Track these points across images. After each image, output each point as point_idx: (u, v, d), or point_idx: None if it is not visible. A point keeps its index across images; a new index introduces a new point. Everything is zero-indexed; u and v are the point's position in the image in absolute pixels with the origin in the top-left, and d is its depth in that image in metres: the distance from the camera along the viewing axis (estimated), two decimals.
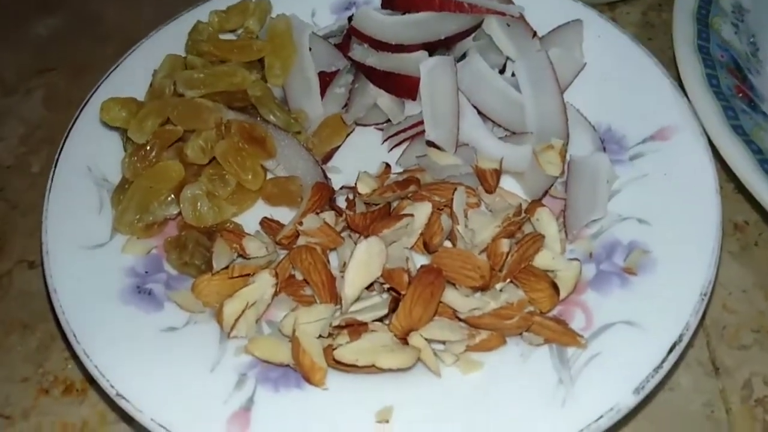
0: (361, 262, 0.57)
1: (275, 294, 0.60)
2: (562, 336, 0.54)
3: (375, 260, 0.57)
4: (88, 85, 0.82)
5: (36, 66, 0.89)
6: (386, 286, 0.58)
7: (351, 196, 0.66)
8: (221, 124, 0.66)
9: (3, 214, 0.74)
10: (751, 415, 0.57)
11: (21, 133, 0.82)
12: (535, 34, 0.73)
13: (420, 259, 0.62)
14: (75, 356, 0.55)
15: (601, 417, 0.49)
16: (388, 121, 0.72)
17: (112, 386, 0.52)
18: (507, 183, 0.67)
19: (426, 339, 0.55)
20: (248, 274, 0.59)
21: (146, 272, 0.61)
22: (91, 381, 0.56)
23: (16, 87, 0.87)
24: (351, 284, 0.56)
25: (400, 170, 0.69)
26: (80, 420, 0.60)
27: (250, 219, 0.66)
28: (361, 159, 0.70)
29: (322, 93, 0.73)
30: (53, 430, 0.59)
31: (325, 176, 0.68)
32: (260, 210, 0.67)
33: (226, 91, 0.68)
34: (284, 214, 0.66)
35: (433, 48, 0.70)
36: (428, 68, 0.67)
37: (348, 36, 0.74)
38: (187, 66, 0.70)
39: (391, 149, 0.72)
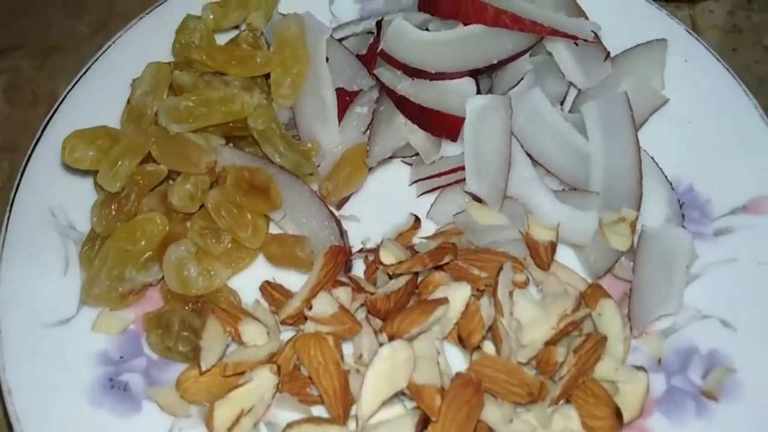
0: (384, 372, 0.47)
1: (276, 392, 0.49)
2: None
3: (400, 369, 0.47)
4: (58, 71, 0.68)
5: None
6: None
7: (370, 258, 0.55)
8: (214, 167, 0.53)
9: None
10: None
11: None
12: (608, 55, 0.58)
13: (451, 350, 0.51)
14: None
15: None
16: (418, 154, 0.59)
17: None
18: (561, 252, 0.55)
19: None
20: (244, 371, 0.49)
21: (121, 357, 0.50)
22: None
23: None
24: (369, 399, 0.46)
25: (431, 226, 0.57)
26: None
27: (249, 280, 0.54)
28: (383, 203, 0.58)
29: (340, 115, 0.59)
30: None
31: (341, 231, 0.56)
32: (261, 268, 0.55)
33: (222, 121, 0.55)
34: (290, 277, 0.55)
35: (479, 73, 0.56)
36: (477, 108, 0.54)
37: (375, 46, 0.59)
38: (174, 85, 0.56)
39: (421, 195, 0.59)
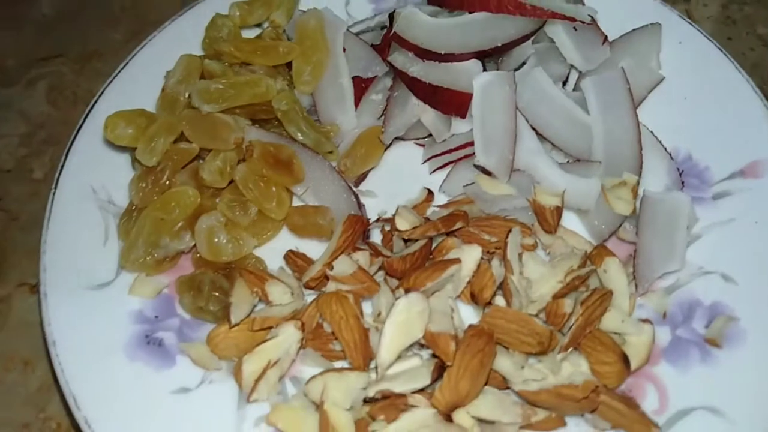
0: (401, 323, 0.49)
1: (300, 347, 0.53)
2: (632, 423, 0.47)
3: (416, 320, 0.50)
4: (97, 75, 0.74)
5: (39, 52, 0.80)
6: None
7: (387, 227, 0.58)
8: (242, 143, 0.58)
9: (2, 226, 0.68)
10: None
11: (22, 131, 0.74)
12: (605, 39, 0.62)
13: (466, 310, 0.54)
14: (75, 423, 0.49)
15: None
16: (431, 135, 0.63)
17: None
18: (567, 219, 0.58)
19: (474, 417, 0.47)
20: (270, 326, 0.52)
21: (156, 317, 0.54)
22: None
23: (17, 77, 0.79)
24: (388, 348, 0.49)
25: (444, 198, 0.61)
26: None
27: (274, 250, 0.58)
28: (399, 180, 0.62)
29: (357, 101, 0.64)
30: None
31: (359, 204, 0.60)
32: (285, 239, 0.59)
33: (249, 102, 0.60)
34: (312, 246, 0.58)
35: (485, 55, 0.61)
36: (482, 84, 0.58)
37: (388, 36, 0.64)
38: (205, 72, 0.61)
39: (434, 171, 0.63)
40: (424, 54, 0.60)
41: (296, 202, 0.60)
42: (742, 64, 0.64)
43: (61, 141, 0.65)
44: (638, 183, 0.57)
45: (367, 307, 0.54)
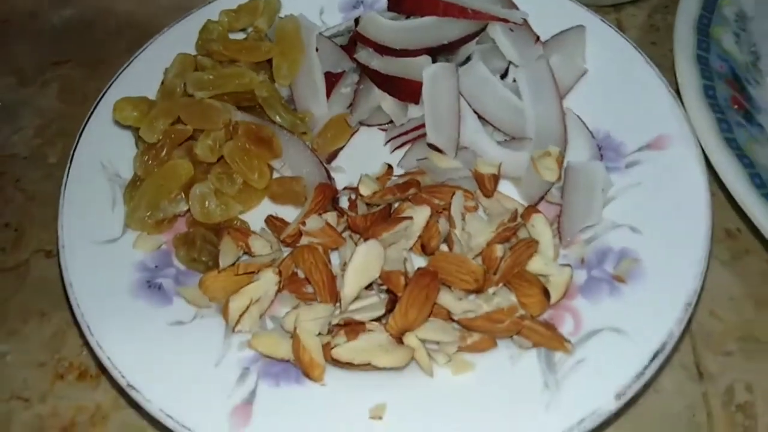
0: (361, 264, 0.60)
1: (278, 291, 0.63)
2: (550, 341, 0.57)
3: (374, 262, 0.60)
4: (102, 77, 0.84)
5: (52, 58, 0.91)
6: (384, 286, 0.61)
7: (353, 197, 0.69)
8: (229, 124, 0.68)
9: (20, 204, 0.78)
10: (731, 420, 0.60)
11: (37, 124, 0.85)
12: (538, 39, 0.74)
13: (418, 261, 0.64)
14: (89, 345, 0.58)
15: (583, 420, 0.52)
16: (392, 122, 0.74)
17: (123, 377, 0.55)
18: (505, 187, 0.69)
19: (420, 339, 0.57)
20: (253, 272, 0.62)
21: (156, 267, 0.64)
22: (104, 370, 0.59)
23: (34, 78, 0.89)
24: (350, 285, 0.59)
25: (402, 172, 0.71)
26: (94, 404, 0.63)
27: (256, 216, 0.68)
28: (364, 159, 0.72)
29: (328, 93, 0.75)
30: (68, 412, 0.63)
31: (329, 176, 0.70)
32: (266, 208, 0.69)
33: (235, 91, 0.71)
34: (289, 212, 0.69)
35: (436, 52, 0.72)
36: (430, 74, 0.69)
37: (354, 38, 0.75)
38: (198, 67, 0.72)
39: (394, 150, 0.74)
40: (383, 50, 0.71)
41: (276, 176, 0.71)
42: (663, 62, 0.76)
43: (71, 132, 0.74)
44: (561, 154, 0.68)
45: (335, 260, 0.64)
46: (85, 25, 0.95)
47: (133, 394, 0.55)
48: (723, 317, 0.66)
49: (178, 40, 0.78)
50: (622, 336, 0.56)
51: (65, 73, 0.90)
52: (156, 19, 0.92)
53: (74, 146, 0.70)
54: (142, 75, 0.76)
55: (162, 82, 0.73)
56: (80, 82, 0.89)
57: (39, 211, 0.77)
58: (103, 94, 0.74)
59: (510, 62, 0.74)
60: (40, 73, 0.90)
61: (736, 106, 0.67)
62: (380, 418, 0.54)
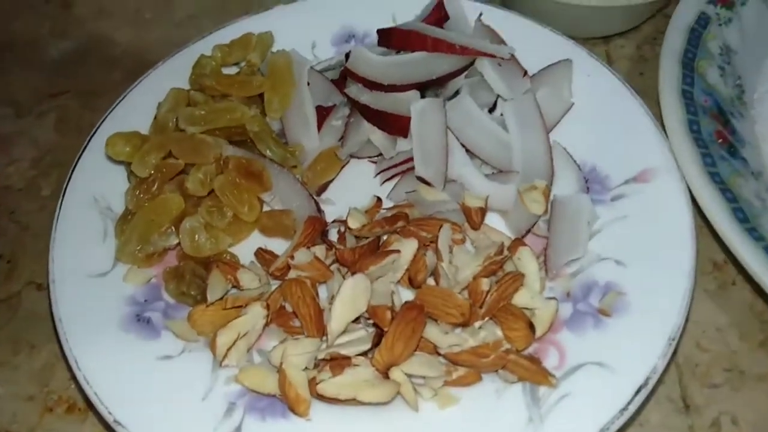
0: (348, 298, 0.60)
1: (266, 325, 0.63)
2: (534, 375, 0.57)
3: (361, 296, 0.60)
4: (98, 108, 0.86)
5: (49, 89, 0.93)
6: (371, 320, 0.61)
7: (342, 230, 0.70)
8: (220, 159, 0.69)
9: (14, 236, 0.78)
10: None
11: (32, 156, 0.86)
12: (525, 73, 0.75)
13: (405, 293, 0.65)
14: (76, 380, 0.59)
15: None
16: (381, 154, 0.75)
17: (110, 413, 0.55)
18: (492, 220, 0.70)
19: (406, 374, 0.58)
20: (241, 306, 0.63)
21: (145, 300, 0.64)
22: (91, 404, 0.59)
23: (30, 109, 0.91)
24: (337, 319, 0.60)
25: (391, 204, 0.72)
26: None
27: (245, 249, 0.69)
28: (354, 191, 0.73)
29: (319, 126, 0.76)
30: None
31: (319, 209, 0.71)
32: (256, 240, 0.70)
33: (226, 126, 0.72)
34: (279, 245, 0.69)
35: (425, 87, 0.73)
36: (418, 109, 0.70)
37: (344, 72, 0.77)
38: (190, 102, 0.74)
39: (384, 183, 0.75)
40: (372, 85, 0.72)
41: (266, 209, 0.72)
42: (653, 93, 0.77)
43: (66, 163, 0.76)
44: (548, 187, 0.69)
45: (323, 294, 0.65)
46: (83, 56, 0.96)
47: (119, 430, 0.55)
48: (709, 348, 0.66)
49: (171, 74, 0.79)
50: (606, 370, 0.57)
51: (62, 104, 0.91)
52: (151, 50, 0.94)
53: (67, 180, 0.71)
54: (136, 109, 0.77)
55: (155, 117, 0.75)
56: (76, 113, 0.90)
57: (32, 243, 0.77)
58: (97, 128, 0.75)
59: (498, 96, 0.75)
60: (36, 104, 0.91)
61: (720, 140, 0.68)
62: None
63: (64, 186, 0.70)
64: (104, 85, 0.92)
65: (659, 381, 0.59)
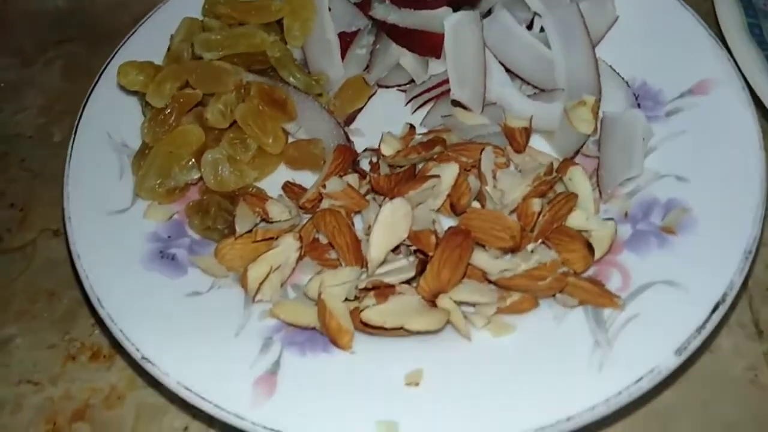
0: (387, 224, 0.55)
1: (300, 258, 0.58)
2: (597, 297, 0.52)
3: (401, 222, 0.55)
4: (107, 54, 0.80)
5: (54, 37, 0.88)
6: (413, 248, 0.56)
7: (375, 159, 0.65)
8: (241, 86, 0.64)
9: (26, 184, 0.74)
10: None
11: (41, 103, 0.81)
12: None
13: (448, 222, 0.60)
14: (101, 322, 0.55)
15: (641, 379, 0.47)
16: (412, 81, 0.70)
17: (138, 350, 0.51)
18: (537, 143, 0.65)
19: (455, 301, 0.53)
20: (272, 238, 0.58)
21: (169, 237, 0.60)
22: (118, 347, 0.55)
23: (36, 58, 0.86)
24: (377, 246, 0.55)
25: (425, 131, 0.67)
26: (108, 385, 0.59)
27: (272, 184, 0.64)
28: (384, 121, 0.68)
29: (343, 54, 0.70)
30: (82, 395, 0.59)
31: (348, 139, 0.66)
32: (282, 175, 0.65)
33: (245, 53, 0.67)
34: (307, 178, 0.64)
35: (457, 4, 0.67)
36: (452, 24, 0.64)
37: None
38: (205, 28, 0.68)
39: (415, 110, 0.69)
40: (400, 2, 0.67)
41: (291, 141, 0.67)
42: (698, 11, 0.71)
43: (77, 110, 0.71)
44: (597, 103, 0.63)
45: (358, 225, 0.60)
46: (88, 2, 0.91)
47: (148, 367, 0.51)
48: None
49: (184, 5, 0.74)
50: (678, 289, 0.52)
51: (69, 51, 0.87)
52: None
53: (79, 116, 0.66)
54: (148, 43, 0.72)
55: (168, 48, 0.69)
56: (84, 59, 0.86)
57: (45, 191, 0.73)
58: (108, 63, 0.70)
59: (535, 13, 0.69)
60: (42, 53, 0.86)
61: None
62: (417, 384, 0.49)
63: (76, 123, 0.66)
64: (112, 31, 0.87)
65: (730, 305, 0.54)
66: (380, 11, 0.68)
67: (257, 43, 0.67)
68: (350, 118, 0.69)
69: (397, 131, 0.66)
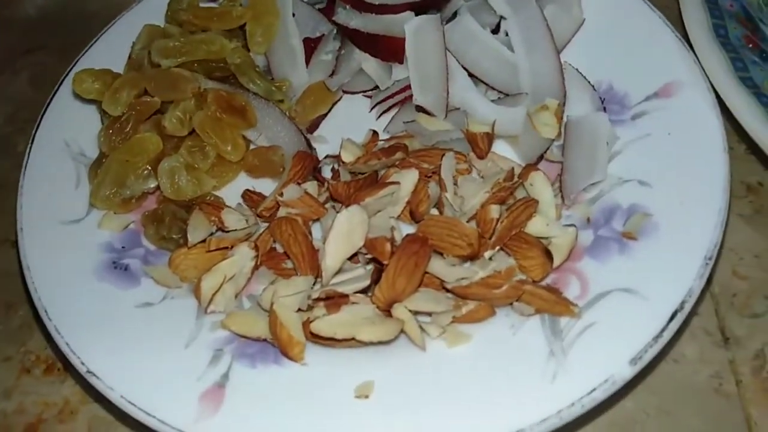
0: (342, 232, 0.54)
1: (256, 267, 0.57)
2: (554, 305, 0.51)
3: (357, 230, 0.54)
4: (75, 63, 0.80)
5: (24, 46, 0.87)
6: (369, 257, 0.55)
7: (336, 166, 0.63)
8: (199, 93, 0.63)
9: None
10: (763, 387, 0.54)
11: (7, 112, 0.81)
12: None
13: (408, 229, 0.59)
14: (49, 336, 0.54)
15: (594, 390, 0.46)
16: (376, 87, 0.69)
17: (83, 363, 0.50)
18: (501, 148, 0.64)
19: (410, 311, 0.52)
20: (227, 248, 0.57)
21: (123, 247, 0.59)
22: (66, 360, 0.54)
23: (4, 67, 0.86)
24: (331, 255, 0.54)
25: (388, 137, 0.66)
26: (61, 399, 0.58)
27: (233, 192, 0.63)
28: (348, 128, 0.67)
29: (307, 60, 0.70)
30: (35, 409, 0.58)
31: (309, 146, 0.65)
32: (243, 183, 0.64)
33: (205, 60, 0.66)
34: (268, 186, 0.63)
35: (421, 9, 0.67)
36: (413, 28, 0.64)
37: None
38: (165, 35, 0.68)
39: (380, 116, 0.68)
40: (362, 7, 0.66)
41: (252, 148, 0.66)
42: (665, 14, 0.70)
43: None
44: (561, 107, 0.62)
45: (317, 234, 0.59)
46: (60, 12, 0.91)
47: (93, 381, 0.49)
48: (748, 276, 0.59)
49: (148, 13, 0.74)
50: (636, 296, 0.50)
51: (38, 60, 0.86)
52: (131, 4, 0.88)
53: (36, 125, 0.65)
54: (111, 51, 0.71)
55: (129, 56, 0.69)
56: (52, 68, 0.84)
57: (6, 201, 0.72)
58: (68, 71, 0.69)
59: (501, 17, 0.69)
60: (11, 62, 0.86)
61: (750, 45, 0.61)
62: (367, 397, 0.48)
63: (33, 131, 0.65)
64: (82, 41, 0.86)
65: (693, 312, 0.53)
66: (342, 16, 0.68)
67: (217, 49, 0.66)
68: (314, 125, 0.68)
69: (362, 138, 0.65)
